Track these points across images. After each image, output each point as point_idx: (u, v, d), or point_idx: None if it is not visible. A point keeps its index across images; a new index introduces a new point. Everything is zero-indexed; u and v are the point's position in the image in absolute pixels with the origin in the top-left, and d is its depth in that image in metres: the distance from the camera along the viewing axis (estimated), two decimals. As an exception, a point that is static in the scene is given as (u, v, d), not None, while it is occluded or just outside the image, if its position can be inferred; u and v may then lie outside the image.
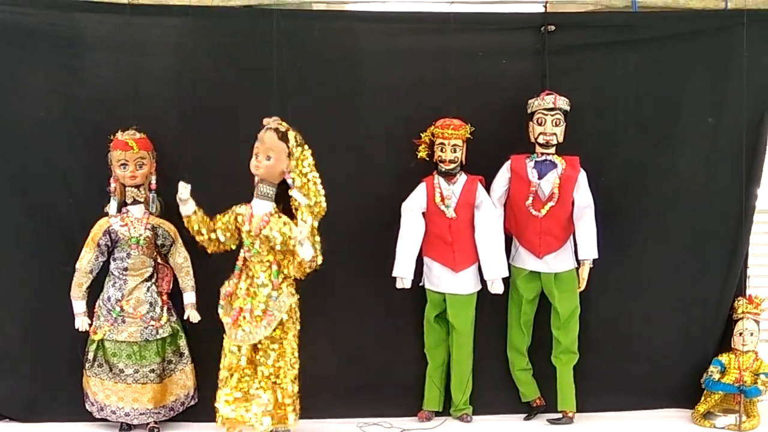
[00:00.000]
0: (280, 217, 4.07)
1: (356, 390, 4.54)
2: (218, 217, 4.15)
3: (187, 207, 4.07)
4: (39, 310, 4.50)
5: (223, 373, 4.15)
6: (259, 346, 4.11)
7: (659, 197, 4.66)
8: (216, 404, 4.14)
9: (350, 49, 4.55)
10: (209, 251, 4.20)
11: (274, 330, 4.06)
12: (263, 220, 4.05)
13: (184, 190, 4.04)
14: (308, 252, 3.91)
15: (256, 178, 4.11)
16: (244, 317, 4.06)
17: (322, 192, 4.04)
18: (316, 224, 4.02)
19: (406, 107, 4.55)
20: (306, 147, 4.05)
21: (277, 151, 3.99)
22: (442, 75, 4.53)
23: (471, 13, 4.71)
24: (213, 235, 4.13)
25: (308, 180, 4.02)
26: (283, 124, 4.05)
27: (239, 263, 4.16)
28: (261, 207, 4.09)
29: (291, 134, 4.02)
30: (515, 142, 4.52)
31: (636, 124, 4.62)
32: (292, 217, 4.06)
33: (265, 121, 4.05)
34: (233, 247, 4.19)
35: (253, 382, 4.10)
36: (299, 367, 4.18)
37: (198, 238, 4.16)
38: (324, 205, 4.05)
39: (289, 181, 4.01)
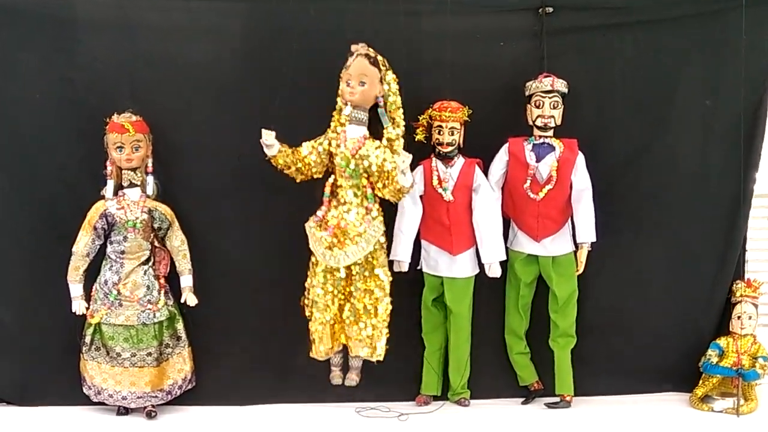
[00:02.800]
0: (373, 141, 4.14)
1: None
2: (303, 145, 4.18)
3: (273, 149, 4.11)
4: (35, 293, 4.48)
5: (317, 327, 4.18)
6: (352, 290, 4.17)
7: (657, 180, 4.64)
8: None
9: (346, 31, 4.51)
10: (297, 180, 4.22)
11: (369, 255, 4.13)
12: (359, 142, 4.12)
13: (269, 136, 4.07)
14: (409, 179, 4.02)
15: (340, 107, 4.19)
16: (340, 240, 4.09)
17: (402, 117, 4.18)
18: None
19: (403, 90, 4.51)
20: (392, 71, 4.16)
21: (371, 77, 4.08)
22: (439, 57, 4.51)
23: (469, -5, 4.70)
24: (301, 166, 4.17)
25: (396, 101, 4.16)
26: (371, 49, 4.11)
27: (327, 190, 4.19)
28: (355, 131, 4.15)
29: (380, 59, 4.11)
30: (513, 125, 4.50)
31: (634, 107, 4.59)
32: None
33: (354, 47, 4.11)
34: (320, 176, 4.22)
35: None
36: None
37: (286, 172, 4.19)
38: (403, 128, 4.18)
39: (381, 104, 4.13)
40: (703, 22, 4.58)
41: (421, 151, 4.44)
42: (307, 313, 4.21)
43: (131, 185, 4.32)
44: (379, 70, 4.11)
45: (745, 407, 4.45)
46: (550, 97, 4.38)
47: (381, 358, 4.22)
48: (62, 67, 4.44)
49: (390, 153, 4.10)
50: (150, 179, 4.35)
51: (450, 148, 4.42)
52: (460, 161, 4.47)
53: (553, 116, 4.39)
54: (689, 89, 4.61)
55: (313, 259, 4.18)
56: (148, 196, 4.35)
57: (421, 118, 4.44)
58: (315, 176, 4.23)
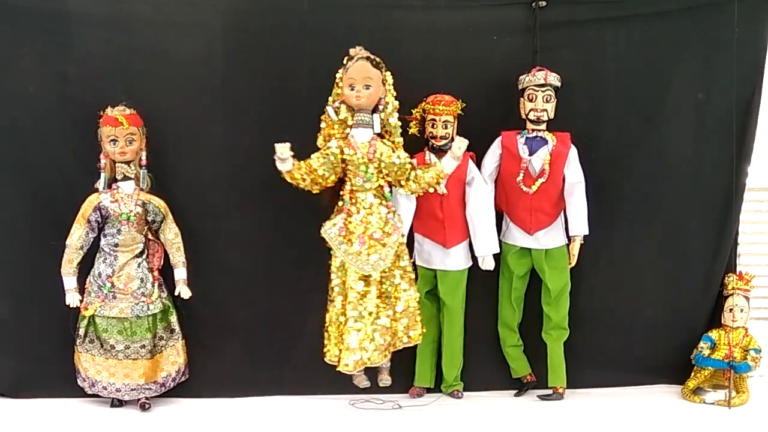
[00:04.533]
0: (382, 141, 4.19)
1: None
2: (312, 157, 4.14)
3: (287, 164, 4.08)
4: (29, 286, 4.48)
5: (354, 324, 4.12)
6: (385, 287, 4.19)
7: (650, 173, 4.66)
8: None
9: (339, 25, 4.52)
10: (314, 192, 4.20)
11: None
12: (371, 145, 4.14)
13: (284, 149, 4.02)
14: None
15: (343, 112, 4.17)
16: (370, 245, 4.10)
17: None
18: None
19: (396, 84, 4.51)
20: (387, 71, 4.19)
21: (376, 79, 4.10)
22: (432, 51, 4.53)
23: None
24: (313, 176, 4.13)
25: (393, 104, 4.19)
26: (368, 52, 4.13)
27: (346, 196, 4.18)
28: (363, 134, 4.16)
29: (379, 60, 4.13)
30: (506, 119, 4.52)
31: (627, 100, 4.61)
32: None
33: (353, 51, 4.11)
34: (332, 183, 4.20)
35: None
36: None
37: (301, 185, 4.16)
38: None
39: (381, 107, 4.17)
40: (696, 15, 4.60)
41: (415, 144, 4.46)
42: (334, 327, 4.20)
43: (125, 178, 4.33)
44: (381, 71, 4.13)
45: (737, 399, 4.48)
46: (543, 91, 4.39)
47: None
48: (56, 61, 4.43)
49: (400, 150, 4.19)
50: (143, 172, 4.35)
51: (443, 142, 4.43)
52: (453, 154, 4.48)
53: (546, 110, 4.41)
54: (682, 83, 4.63)
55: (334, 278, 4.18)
56: (141, 189, 4.36)
57: (414, 112, 4.45)
58: (330, 185, 4.20)
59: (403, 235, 4.25)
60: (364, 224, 4.12)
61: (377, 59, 4.12)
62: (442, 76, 4.48)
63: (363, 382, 4.25)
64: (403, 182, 4.19)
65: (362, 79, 4.07)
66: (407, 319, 4.21)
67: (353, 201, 4.17)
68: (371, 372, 4.26)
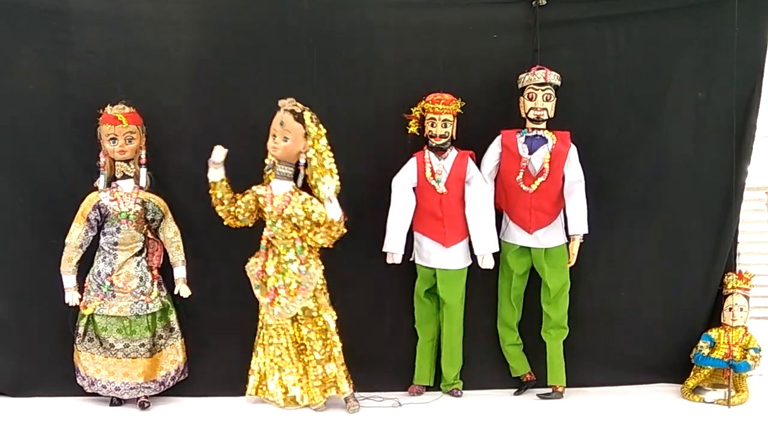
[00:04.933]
0: (300, 194, 4.17)
1: (348, 364, 4.52)
2: (238, 196, 4.24)
3: (218, 173, 4.17)
4: (29, 285, 4.48)
5: (267, 364, 4.35)
6: (304, 333, 4.27)
7: (649, 172, 4.66)
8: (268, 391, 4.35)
9: (339, 24, 4.53)
10: (225, 223, 4.27)
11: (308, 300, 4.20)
12: (284, 200, 4.15)
13: (219, 153, 4.12)
14: (337, 211, 4.05)
15: (271, 159, 4.21)
16: (279, 293, 4.18)
17: (335, 170, 4.14)
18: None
19: (396, 82, 4.54)
20: (321, 126, 4.14)
21: (295, 132, 4.08)
22: (432, 50, 4.52)
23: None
24: (233, 210, 4.23)
25: (323, 159, 4.12)
26: (299, 105, 4.12)
27: (264, 243, 4.24)
28: (281, 187, 4.18)
29: (306, 114, 4.11)
30: (506, 117, 4.52)
31: (627, 99, 4.61)
32: (311, 194, 4.19)
33: (281, 102, 4.12)
34: (250, 225, 4.29)
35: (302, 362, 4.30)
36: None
37: (218, 208, 4.23)
38: (338, 183, 4.13)
39: (302, 160, 4.13)
40: (696, 13, 4.59)
41: (414, 143, 4.46)
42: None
43: (124, 177, 4.33)
44: (304, 125, 4.09)
45: (736, 398, 4.48)
46: (543, 90, 4.38)
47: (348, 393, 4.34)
48: (56, 60, 4.44)
49: (317, 204, 4.13)
50: (143, 171, 4.35)
51: (443, 141, 4.43)
52: (453, 153, 4.48)
53: (546, 109, 4.40)
54: (682, 81, 4.63)
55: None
56: (141, 188, 4.36)
57: (414, 111, 4.45)
58: (245, 225, 4.29)
59: (322, 288, 4.28)
60: (275, 274, 4.21)
61: (304, 112, 4.10)
62: (442, 75, 4.48)
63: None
64: (311, 236, 4.17)
65: (282, 131, 4.09)
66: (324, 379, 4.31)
67: (270, 246, 4.25)
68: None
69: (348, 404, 4.33)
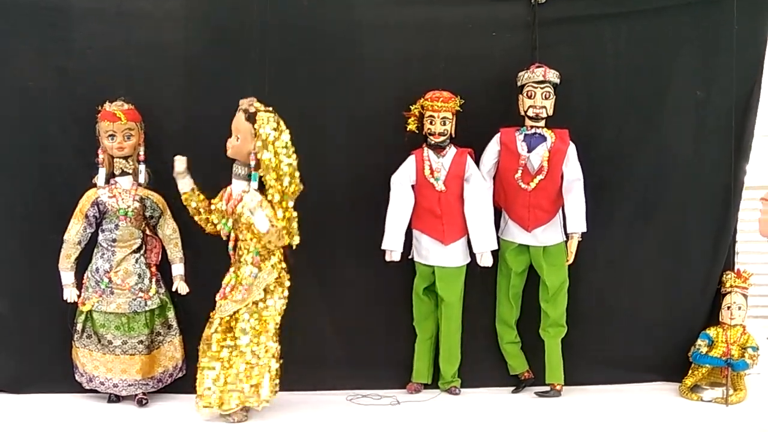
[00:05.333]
0: (255, 194, 4.06)
1: (345, 362, 4.55)
2: (214, 201, 4.21)
3: (184, 182, 4.17)
4: (28, 282, 4.48)
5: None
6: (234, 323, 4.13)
7: (649, 171, 4.66)
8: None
9: (338, 22, 4.53)
10: (206, 231, 4.26)
11: (254, 305, 4.08)
12: (236, 199, 4.10)
13: (179, 163, 4.12)
14: (262, 223, 3.91)
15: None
16: (226, 291, 4.14)
17: (296, 174, 4.00)
18: (291, 204, 4.01)
19: (395, 80, 4.54)
20: (282, 127, 4.00)
21: (244, 132, 4.01)
22: (431, 47, 4.53)
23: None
24: (210, 217, 4.22)
25: (280, 161, 3.97)
26: (256, 105, 4.03)
27: (231, 244, 4.20)
28: (237, 186, 4.13)
29: (262, 116, 3.99)
30: (505, 115, 4.52)
31: (626, 98, 4.62)
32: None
33: (240, 101, 4.07)
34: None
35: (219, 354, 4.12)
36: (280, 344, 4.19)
37: (196, 218, 4.24)
38: (298, 185, 4.02)
39: (251, 163, 4.01)
40: (695, 12, 4.60)
41: (413, 141, 4.47)
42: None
43: (123, 173, 4.32)
44: (254, 126, 3.98)
45: (734, 397, 4.48)
46: (542, 88, 4.38)
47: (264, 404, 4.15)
48: (55, 56, 4.43)
49: (267, 207, 3.98)
50: (142, 167, 4.35)
51: (442, 138, 4.43)
52: (451, 151, 4.48)
53: (544, 107, 4.40)
54: (681, 80, 4.63)
55: None
56: (139, 185, 4.35)
57: (413, 108, 4.45)
58: (220, 231, 4.23)
59: (272, 291, 4.12)
60: (232, 273, 4.16)
61: (258, 113, 3.99)
62: (441, 73, 4.47)
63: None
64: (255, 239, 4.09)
65: (234, 129, 4.05)
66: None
67: (236, 248, 4.19)
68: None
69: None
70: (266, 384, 4.12)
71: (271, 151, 3.97)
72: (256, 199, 3.93)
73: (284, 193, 3.99)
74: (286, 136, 4.01)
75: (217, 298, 4.18)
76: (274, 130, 3.99)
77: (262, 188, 4.05)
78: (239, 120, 4.02)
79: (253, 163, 4.02)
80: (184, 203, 4.22)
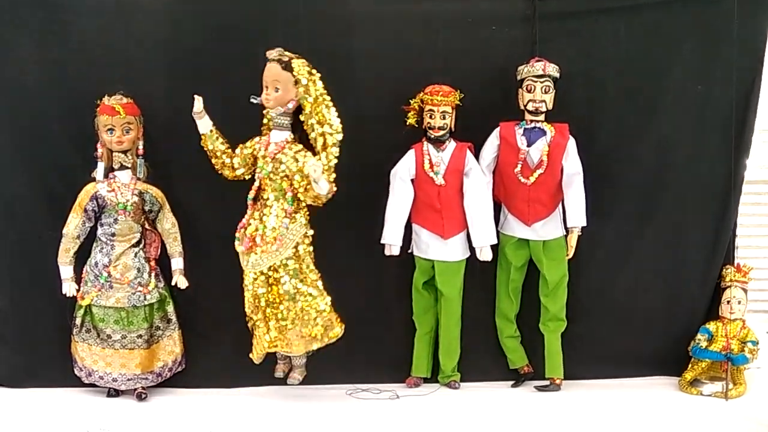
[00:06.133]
0: (295, 144, 4.13)
1: (345, 356, 4.53)
2: (239, 146, 4.20)
3: (203, 123, 4.15)
4: (27, 276, 4.48)
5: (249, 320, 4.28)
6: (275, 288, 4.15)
7: (648, 165, 4.65)
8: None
9: (338, 16, 4.52)
10: (223, 174, 4.23)
11: (288, 259, 4.10)
12: (279, 146, 4.10)
13: (198, 102, 4.10)
14: (324, 187, 3.98)
15: (268, 111, 4.18)
16: (256, 242, 4.10)
17: (336, 115, 4.04)
18: (335, 151, 4.03)
19: (395, 74, 4.53)
20: (315, 72, 4.07)
21: (284, 82, 4.03)
22: (431, 41, 4.52)
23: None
24: (228, 161, 4.19)
25: (318, 105, 4.03)
26: (287, 53, 4.06)
27: (252, 194, 4.17)
28: (278, 135, 4.15)
29: (296, 62, 4.04)
30: (504, 109, 4.50)
31: (625, 92, 4.60)
32: (310, 147, 4.11)
33: (268, 53, 4.07)
34: (247, 177, 4.23)
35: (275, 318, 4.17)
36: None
37: (213, 161, 4.21)
38: (338, 127, 4.03)
39: (290, 107, 4.06)
40: (695, 6, 4.58)
41: (413, 135, 4.46)
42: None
43: (122, 167, 4.32)
44: (293, 73, 4.02)
45: (734, 391, 4.48)
46: (541, 82, 4.38)
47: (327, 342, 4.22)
48: (53, 50, 4.42)
49: (309, 157, 4.02)
50: (140, 162, 4.34)
51: (441, 132, 4.43)
52: (451, 145, 4.48)
53: (544, 101, 4.39)
54: (681, 74, 4.61)
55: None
56: (138, 179, 4.35)
57: (412, 102, 4.44)
58: (242, 177, 4.23)
59: (307, 248, 4.17)
60: (257, 224, 4.12)
61: (291, 60, 4.02)
62: (441, 67, 4.46)
63: (278, 372, 4.36)
64: (301, 190, 4.09)
65: (271, 81, 4.05)
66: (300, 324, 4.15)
67: (257, 198, 4.17)
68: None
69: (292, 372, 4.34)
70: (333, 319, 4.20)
71: (313, 94, 4.03)
72: (320, 169, 3.94)
73: (329, 136, 4.02)
74: (319, 81, 4.06)
75: (241, 248, 4.14)
76: (311, 74, 4.05)
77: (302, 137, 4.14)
78: (275, 70, 4.03)
79: (290, 108, 4.06)
80: (202, 144, 4.19)
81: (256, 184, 4.16)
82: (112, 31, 4.44)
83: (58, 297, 4.32)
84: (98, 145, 4.29)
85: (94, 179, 4.31)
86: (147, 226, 4.41)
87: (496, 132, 4.50)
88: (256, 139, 4.22)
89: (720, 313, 4.65)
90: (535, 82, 4.38)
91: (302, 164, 4.01)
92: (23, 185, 4.46)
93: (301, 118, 4.08)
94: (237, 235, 4.18)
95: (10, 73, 4.42)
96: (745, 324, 4.63)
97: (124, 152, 4.30)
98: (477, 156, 4.51)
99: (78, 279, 4.32)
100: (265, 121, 4.28)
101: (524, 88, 4.41)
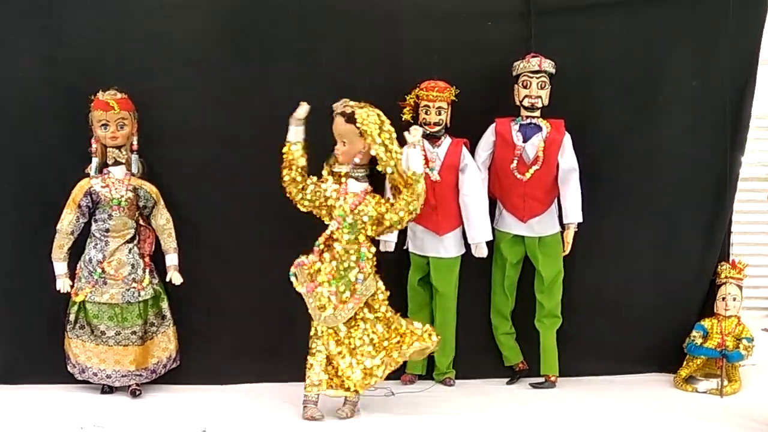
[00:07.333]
0: (374, 196, 4.09)
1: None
2: (316, 179, 4.10)
3: (297, 131, 4.06)
4: (19, 272, 4.45)
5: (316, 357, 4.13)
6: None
7: (644, 162, 4.65)
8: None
9: (335, 10, 4.50)
10: (285, 188, 4.09)
11: (361, 310, 4.07)
12: (358, 197, 4.05)
13: (302, 109, 4.04)
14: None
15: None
16: (330, 299, 4.03)
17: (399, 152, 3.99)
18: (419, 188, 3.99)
19: (390, 70, 4.52)
20: (383, 116, 3.98)
21: (349, 135, 3.98)
22: (426, 37, 4.51)
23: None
24: (300, 179, 4.06)
25: (392, 150, 3.96)
26: (350, 104, 3.99)
27: (321, 241, 4.08)
28: (355, 186, 4.08)
29: (359, 112, 3.95)
30: (500, 105, 4.50)
31: (621, 88, 4.60)
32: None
33: (334, 106, 4.02)
34: (303, 209, 4.11)
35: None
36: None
37: (284, 171, 4.07)
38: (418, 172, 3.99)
39: (357, 159, 4.01)
40: (690, 3, 4.58)
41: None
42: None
43: (116, 163, 4.29)
44: (356, 125, 3.94)
45: (729, 388, 4.49)
46: (537, 78, 4.37)
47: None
48: (46, 45, 4.38)
49: (389, 207, 4.02)
50: (135, 157, 4.31)
51: (437, 128, 4.42)
52: (447, 141, 4.47)
53: (540, 96, 4.39)
54: (677, 70, 4.62)
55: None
56: (133, 174, 4.32)
57: (408, 98, 4.43)
58: (298, 203, 4.10)
59: (378, 287, 4.11)
60: (330, 277, 4.05)
61: (353, 112, 3.94)
62: (436, 62, 4.45)
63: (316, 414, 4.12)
64: (375, 230, 4.08)
65: (338, 135, 4.02)
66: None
67: (329, 247, 4.09)
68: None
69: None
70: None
71: (381, 144, 3.94)
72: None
73: (404, 176, 3.97)
74: (387, 124, 3.99)
75: (303, 290, 4.05)
76: (377, 122, 3.96)
77: (376, 188, 4.11)
78: (340, 124, 3.98)
79: (358, 159, 4.01)
80: (283, 151, 4.05)
81: (327, 233, 4.08)
82: (105, 25, 4.39)
83: (52, 294, 4.28)
84: (92, 141, 4.26)
85: (87, 175, 4.28)
86: (141, 222, 4.38)
87: (491, 128, 4.49)
88: (328, 185, 4.10)
89: (715, 310, 4.66)
90: (531, 77, 4.37)
91: (383, 212, 4.01)
92: (16, 181, 4.43)
93: (378, 168, 4.01)
94: (293, 270, 4.08)
95: (1, 69, 4.38)
96: (740, 321, 4.64)
97: (119, 147, 4.28)
98: (473, 152, 4.50)
99: (72, 275, 4.29)
100: (326, 164, 4.15)
101: (520, 84, 4.40)
